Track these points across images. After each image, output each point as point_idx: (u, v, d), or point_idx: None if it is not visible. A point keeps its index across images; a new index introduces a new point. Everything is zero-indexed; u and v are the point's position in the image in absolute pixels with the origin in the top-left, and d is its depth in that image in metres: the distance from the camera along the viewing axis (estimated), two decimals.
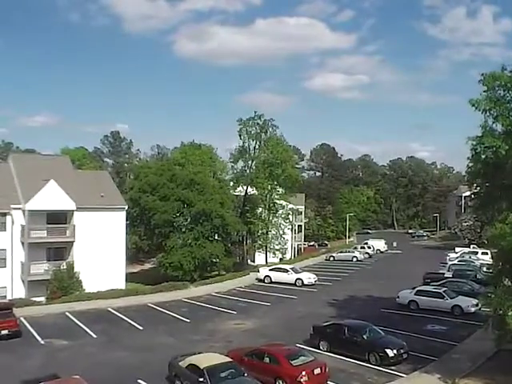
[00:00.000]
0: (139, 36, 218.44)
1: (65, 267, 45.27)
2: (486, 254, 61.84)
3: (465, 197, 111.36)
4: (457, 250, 73.21)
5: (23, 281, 44.85)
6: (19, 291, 44.50)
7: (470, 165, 28.74)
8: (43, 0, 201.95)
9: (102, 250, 47.17)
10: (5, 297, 43.62)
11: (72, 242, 46.64)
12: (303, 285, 50.08)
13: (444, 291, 37.34)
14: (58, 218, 46.34)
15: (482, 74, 25.45)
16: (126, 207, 51.74)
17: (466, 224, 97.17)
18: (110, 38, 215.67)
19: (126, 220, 52.43)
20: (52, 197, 44.76)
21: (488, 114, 24.88)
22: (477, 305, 33.92)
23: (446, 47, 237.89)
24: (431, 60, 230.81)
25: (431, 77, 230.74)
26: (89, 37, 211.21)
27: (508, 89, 24.74)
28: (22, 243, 45.01)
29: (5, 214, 44.78)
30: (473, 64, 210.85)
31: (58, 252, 46.78)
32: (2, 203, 44.42)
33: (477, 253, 66.46)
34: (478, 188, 30.55)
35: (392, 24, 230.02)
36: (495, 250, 24.82)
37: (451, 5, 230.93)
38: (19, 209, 45.06)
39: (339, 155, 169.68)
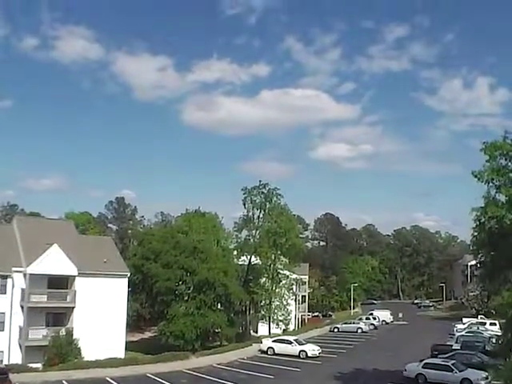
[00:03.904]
0: (148, 104, 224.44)
1: (64, 333, 44.42)
2: (495, 324, 60.64)
3: (471, 266, 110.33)
4: (464, 320, 71.78)
5: (21, 346, 43.98)
6: (16, 356, 43.60)
7: (475, 234, 28.64)
8: (55, 65, 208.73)
9: (102, 317, 46.48)
10: (1, 361, 42.74)
11: (72, 308, 46.01)
12: (307, 357, 48.76)
13: (452, 364, 36.26)
14: (60, 283, 45.97)
15: (484, 143, 25.83)
16: (129, 274, 51.38)
17: (472, 294, 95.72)
18: (119, 105, 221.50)
19: (128, 287, 51.92)
20: (54, 261, 44.59)
21: (491, 184, 25.05)
22: (487, 378, 32.94)
23: (445, 117, 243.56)
24: (431, 130, 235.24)
25: (432, 146, 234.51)
26: (99, 103, 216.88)
27: (510, 158, 25.03)
28: (22, 307, 44.46)
29: (6, 277, 44.51)
30: (472, 134, 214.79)
31: (58, 317, 46.10)
32: (3, 265, 44.23)
33: (485, 323, 65.13)
34: (484, 257, 30.30)
35: (391, 95, 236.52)
36: (503, 320, 24.34)
37: (448, 76, 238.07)
38: (20, 272, 44.78)
39: (343, 225, 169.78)
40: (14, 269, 44.54)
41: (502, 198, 25.24)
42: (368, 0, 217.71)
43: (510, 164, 24.87)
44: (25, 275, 44.50)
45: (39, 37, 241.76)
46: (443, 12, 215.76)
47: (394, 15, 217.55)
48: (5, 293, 44.32)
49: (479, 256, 31.15)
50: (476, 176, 24.56)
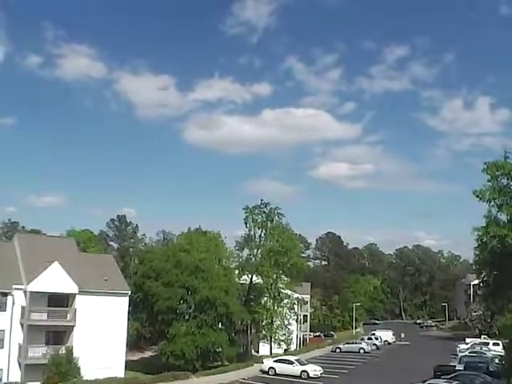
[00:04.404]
0: (150, 122, 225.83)
1: (64, 352, 44.04)
2: (498, 344, 59.97)
3: (473, 285, 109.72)
4: (467, 340, 71.07)
5: (20, 364, 43.63)
6: (15, 374, 43.25)
7: (477, 253, 28.59)
8: (58, 83, 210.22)
9: (102, 336, 46.18)
10: (0, 379, 42.35)
11: (72, 327, 45.75)
12: (309, 377, 48.25)
13: None
14: (60, 301, 45.79)
15: (485, 163, 25.91)
16: (129, 292, 51.16)
17: (475, 314, 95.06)
18: (121, 123, 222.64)
19: (129, 305, 51.66)
20: (55, 279, 44.44)
21: (492, 203, 25.10)
22: None
23: (446, 137, 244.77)
24: (432, 149, 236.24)
25: (433, 166, 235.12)
26: (101, 121, 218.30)
27: (511, 177, 25.10)
28: (22, 325, 44.22)
29: (6, 294, 44.34)
30: (473, 153, 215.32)
31: (58, 336, 45.84)
32: (3, 283, 44.08)
33: (488, 343, 64.42)
34: (487, 277, 30.26)
35: (392, 115, 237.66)
36: (507, 341, 24.15)
37: (448, 96, 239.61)
38: (21, 289, 44.62)
39: (345, 244, 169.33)
40: (14, 286, 44.38)
41: (503, 217, 25.26)
42: (369, 21, 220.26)
43: (511, 183, 24.92)
44: (25, 293, 44.33)
45: (43, 55, 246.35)
46: (443, 32, 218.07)
47: (395, 36, 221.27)
48: (5, 310, 44.13)
49: (482, 275, 31.16)
50: (477, 195, 24.66)
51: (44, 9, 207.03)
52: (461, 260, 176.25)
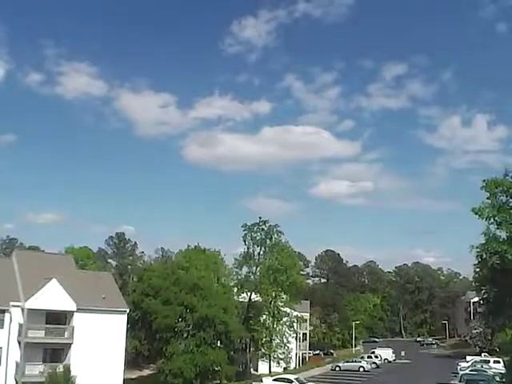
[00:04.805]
0: (150, 140, 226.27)
1: (61, 370, 43.74)
2: (499, 362, 59.59)
3: (473, 303, 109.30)
4: (468, 358, 70.61)
5: (17, 381, 43.29)
6: None
7: (477, 271, 28.55)
8: (59, 101, 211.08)
9: (100, 354, 45.85)
10: None
11: (70, 344, 45.45)
12: None
13: None
14: (58, 319, 45.59)
15: (484, 181, 25.93)
16: (128, 310, 50.94)
17: (476, 331, 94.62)
18: (121, 141, 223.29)
19: (127, 323, 51.35)
20: (53, 296, 44.27)
21: (492, 220, 25.07)
22: None
23: (444, 154, 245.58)
24: (431, 167, 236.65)
25: (432, 183, 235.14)
26: (100, 138, 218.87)
27: (510, 195, 25.12)
28: (19, 342, 43.94)
29: (3, 311, 44.14)
30: (472, 170, 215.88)
31: (55, 353, 45.54)
32: (1, 300, 43.92)
33: (489, 361, 64.02)
34: (487, 294, 30.14)
35: (391, 133, 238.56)
36: (507, 358, 23.98)
37: (446, 114, 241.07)
38: (18, 306, 44.44)
39: (344, 261, 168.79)
40: (12, 303, 44.22)
41: (502, 234, 25.23)
42: (366, 39, 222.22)
43: (510, 201, 24.96)
44: (23, 310, 44.17)
45: (44, 72, 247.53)
46: (441, 50, 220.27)
47: (392, 54, 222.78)
48: (2, 327, 43.91)
49: (482, 292, 31.07)
50: (476, 213, 24.62)
51: (45, 27, 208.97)
52: (461, 277, 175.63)
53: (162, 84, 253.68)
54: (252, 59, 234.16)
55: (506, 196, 25.62)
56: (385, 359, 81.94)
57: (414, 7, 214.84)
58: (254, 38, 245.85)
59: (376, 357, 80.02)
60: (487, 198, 25.56)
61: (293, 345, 79.56)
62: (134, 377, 68.83)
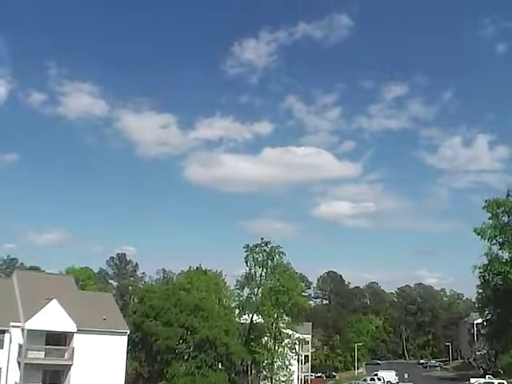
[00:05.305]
0: (151, 160, 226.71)
1: None
2: None
3: (477, 324, 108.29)
4: (472, 380, 69.77)
5: None
6: None
7: (480, 292, 28.40)
8: (61, 121, 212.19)
9: (100, 375, 45.58)
10: None
11: (70, 366, 45.18)
12: None
13: None
14: (58, 340, 45.38)
15: (486, 201, 25.94)
16: (128, 332, 50.71)
17: (479, 353, 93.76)
18: (122, 161, 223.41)
19: (127, 345, 51.08)
20: (53, 317, 44.12)
21: (494, 241, 25.03)
22: None
23: (446, 175, 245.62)
24: (432, 187, 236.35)
25: (434, 203, 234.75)
26: (102, 158, 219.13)
27: None
28: (19, 363, 43.66)
29: (3, 332, 43.93)
30: (473, 190, 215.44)
31: (55, 375, 45.25)
32: (1, 320, 43.72)
33: (493, 383, 63.30)
34: (490, 315, 29.92)
35: (392, 153, 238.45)
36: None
37: (447, 134, 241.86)
38: (19, 327, 44.22)
39: (346, 283, 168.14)
40: (12, 323, 44.06)
41: (505, 254, 25.14)
42: (367, 60, 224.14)
43: None
44: (23, 330, 43.97)
45: (46, 92, 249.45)
46: (441, 71, 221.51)
47: (393, 75, 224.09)
48: (2, 348, 43.73)
49: (485, 314, 30.83)
50: (478, 233, 24.60)
51: (48, 46, 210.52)
52: (464, 298, 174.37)
53: (164, 104, 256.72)
54: (253, 80, 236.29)
55: (508, 216, 25.61)
56: (388, 381, 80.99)
57: (414, 28, 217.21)
58: (255, 60, 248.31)
59: (379, 379, 79.23)
60: (489, 219, 25.57)
61: (295, 367, 78.78)
62: None
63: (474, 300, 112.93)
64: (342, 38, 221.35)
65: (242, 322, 72.43)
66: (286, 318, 72.85)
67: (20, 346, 43.84)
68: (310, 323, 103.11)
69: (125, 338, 49.90)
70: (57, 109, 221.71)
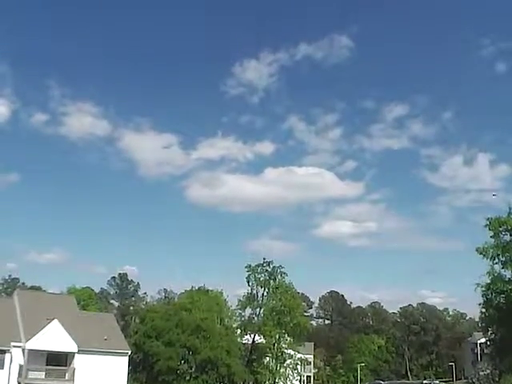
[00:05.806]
0: (152, 180, 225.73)
1: None
2: None
3: (480, 344, 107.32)
4: None
5: None
6: None
7: (483, 311, 28.27)
8: (62, 141, 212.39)
9: None
10: None
11: None
12: None
13: None
14: (59, 360, 45.18)
15: (488, 219, 25.98)
16: (129, 352, 50.40)
17: (483, 373, 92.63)
18: (124, 181, 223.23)
19: (128, 365, 50.72)
20: (54, 337, 43.99)
21: (496, 260, 25.03)
22: None
23: (447, 194, 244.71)
24: (434, 206, 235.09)
25: (436, 222, 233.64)
26: (103, 178, 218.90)
27: None
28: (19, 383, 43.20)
29: (4, 352, 43.72)
30: (475, 209, 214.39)
31: None
32: (2, 340, 43.54)
33: None
34: (494, 334, 29.71)
35: (393, 173, 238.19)
36: None
37: (448, 153, 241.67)
38: (19, 347, 43.98)
39: (348, 302, 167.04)
40: (12, 343, 43.89)
41: (508, 273, 25.12)
42: (368, 80, 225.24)
43: None
44: (23, 350, 43.79)
45: (49, 113, 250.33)
46: (441, 90, 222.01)
47: (393, 95, 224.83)
48: (2, 368, 43.49)
49: (489, 333, 30.60)
50: (481, 253, 24.60)
51: (50, 67, 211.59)
52: (467, 318, 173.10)
53: (165, 124, 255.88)
54: (254, 100, 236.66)
55: (510, 235, 25.58)
56: None
57: (414, 48, 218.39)
58: (255, 80, 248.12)
59: None
60: (491, 237, 25.54)
61: None
62: None
63: (477, 319, 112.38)
64: (342, 59, 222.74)
65: (244, 342, 71.98)
66: (288, 339, 72.45)
67: (20, 366, 43.64)
68: (312, 343, 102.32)
69: (126, 359, 49.62)
70: (59, 129, 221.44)
